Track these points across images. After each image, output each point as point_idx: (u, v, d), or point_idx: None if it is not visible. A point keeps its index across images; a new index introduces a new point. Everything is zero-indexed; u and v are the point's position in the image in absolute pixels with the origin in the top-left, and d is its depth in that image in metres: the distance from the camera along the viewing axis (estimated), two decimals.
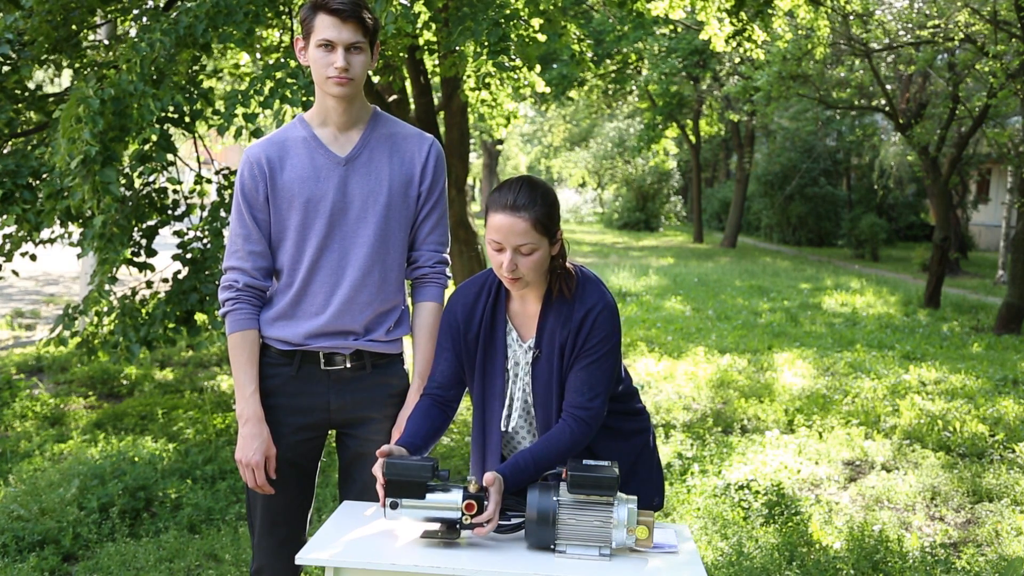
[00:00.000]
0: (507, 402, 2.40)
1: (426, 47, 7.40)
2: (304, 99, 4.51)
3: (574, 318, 2.30)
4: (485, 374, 2.40)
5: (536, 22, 6.71)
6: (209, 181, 5.72)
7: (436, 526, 2.11)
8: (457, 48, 6.25)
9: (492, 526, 2.08)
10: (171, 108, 4.91)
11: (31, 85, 6.38)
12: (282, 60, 4.94)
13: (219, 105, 5.66)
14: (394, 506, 2.07)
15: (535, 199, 2.24)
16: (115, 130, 4.53)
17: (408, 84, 7.90)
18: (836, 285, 15.45)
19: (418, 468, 2.07)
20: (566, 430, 2.26)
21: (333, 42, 2.33)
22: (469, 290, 2.43)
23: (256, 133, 4.76)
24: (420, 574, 1.97)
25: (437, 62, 7.66)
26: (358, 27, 2.34)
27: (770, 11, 8.41)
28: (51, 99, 5.87)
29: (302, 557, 2.01)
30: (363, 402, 2.52)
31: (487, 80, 7.49)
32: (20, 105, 5.72)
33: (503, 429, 2.40)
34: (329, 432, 2.61)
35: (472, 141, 27.02)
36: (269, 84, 4.68)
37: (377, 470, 2.12)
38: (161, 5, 6.01)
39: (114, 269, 4.83)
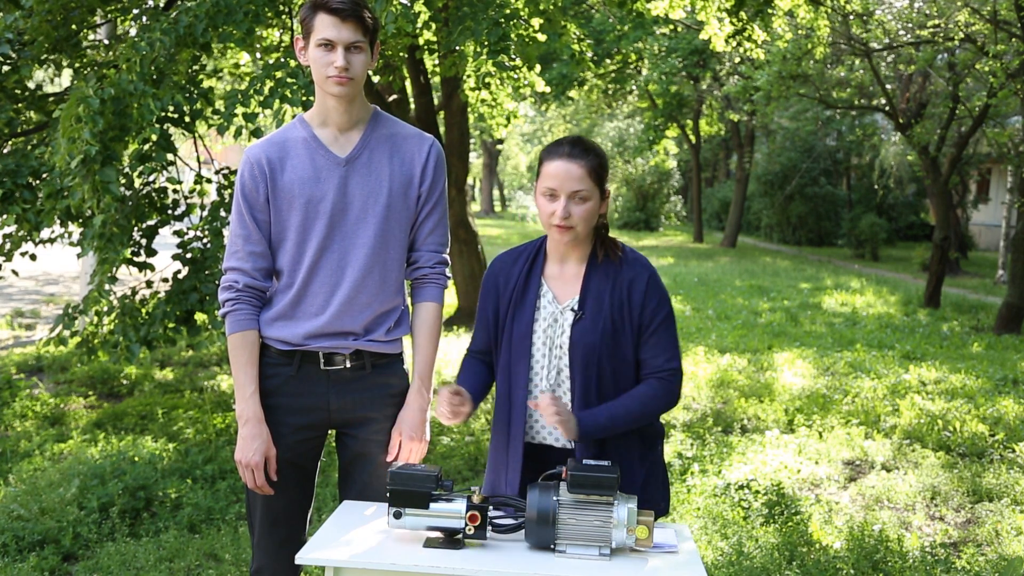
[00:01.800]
0: (532, 362, 2.39)
1: (426, 47, 7.41)
2: (304, 99, 4.51)
3: (622, 278, 2.35)
4: (512, 334, 2.41)
5: (536, 22, 6.71)
6: (209, 181, 5.72)
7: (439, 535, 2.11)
8: (457, 48, 6.25)
9: (554, 415, 2.21)
10: (171, 108, 4.91)
11: (31, 85, 6.38)
12: (282, 60, 4.94)
13: (219, 105, 5.66)
14: (398, 515, 2.08)
15: (590, 150, 2.35)
16: (115, 130, 4.54)
17: (408, 84, 7.91)
18: (836, 285, 15.45)
19: (423, 478, 2.07)
20: (648, 388, 2.32)
21: (333, 41, 2.33)
22: (510, 254, 2.51)
23: (256, 133, 4.76)
24: (420, 574, 1.98)
25: (437, 62, 7.67)
26: (358, 26, 2.34)
27: (770, 11, 8.42)
28: (51, 99, 5.87)
29: (302, 557, 2.01)
30: (363, 402, 2.51)
31: (487, 80, 7.49)
32: (20, 105, 5.72)
33: (530, 390, 2.39)
34: (329, 432, 2.61)
35: (472, 141, 27.01)
36: (269, 84, 4.68)
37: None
38: (161, 5, 6.02)
39: (114, 269, 4.84)
